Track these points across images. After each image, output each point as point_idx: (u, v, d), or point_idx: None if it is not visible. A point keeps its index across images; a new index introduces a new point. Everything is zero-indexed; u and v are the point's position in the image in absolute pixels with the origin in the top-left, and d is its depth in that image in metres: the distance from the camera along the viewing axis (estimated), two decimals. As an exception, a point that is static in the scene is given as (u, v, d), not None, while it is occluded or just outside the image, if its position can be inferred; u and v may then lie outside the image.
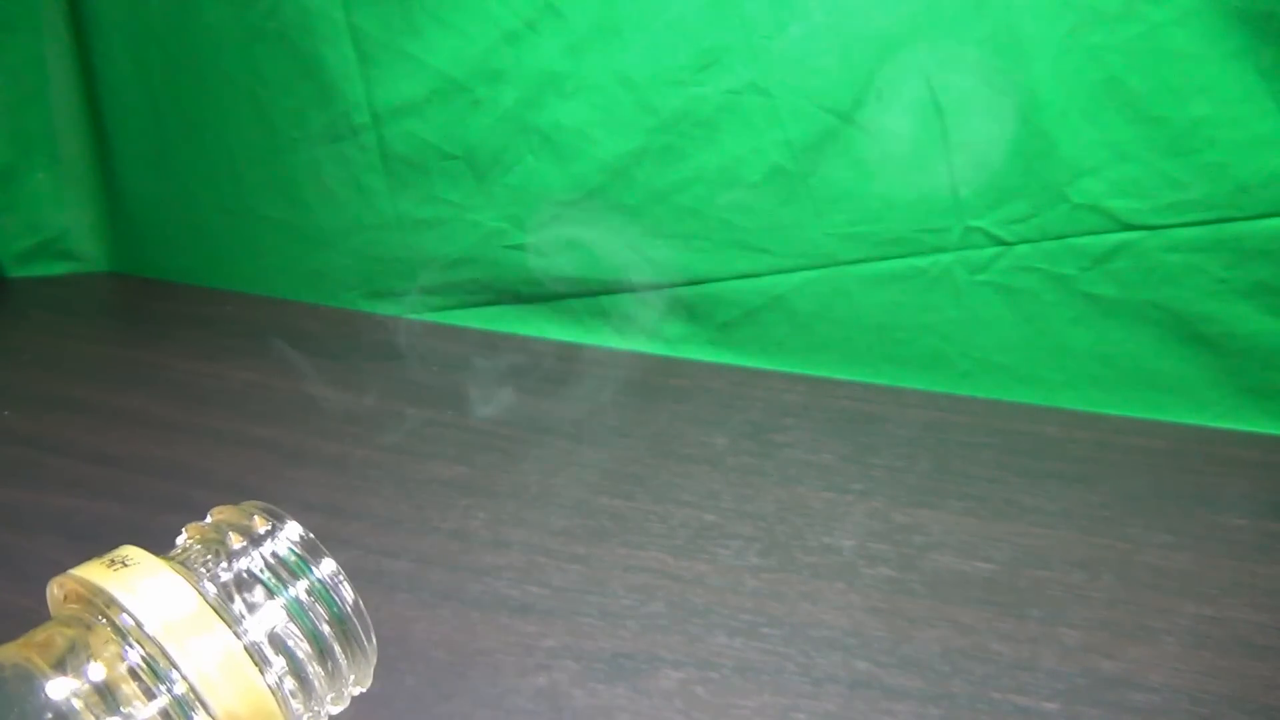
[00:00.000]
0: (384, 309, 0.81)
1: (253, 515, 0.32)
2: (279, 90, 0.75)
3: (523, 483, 0.54)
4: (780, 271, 0.68)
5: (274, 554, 0.31)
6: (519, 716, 0.37)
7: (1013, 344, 0.64)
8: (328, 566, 0.32)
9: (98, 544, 0.30)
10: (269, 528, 0.32)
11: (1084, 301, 0.61)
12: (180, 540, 0.32)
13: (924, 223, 0.63)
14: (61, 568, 0.30)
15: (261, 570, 0.30)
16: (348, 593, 0.31)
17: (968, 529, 0.50)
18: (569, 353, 0.74)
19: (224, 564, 0.30)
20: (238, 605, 0.29)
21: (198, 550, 0.31)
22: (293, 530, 0.32)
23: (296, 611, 0.30)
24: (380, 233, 0.77)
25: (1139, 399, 0.62)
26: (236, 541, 0.31)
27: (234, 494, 0.52)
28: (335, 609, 0.31)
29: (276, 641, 0.29)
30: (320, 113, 0.75)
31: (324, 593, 0.31)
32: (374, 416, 0.62)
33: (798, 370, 0.70)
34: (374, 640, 0.32)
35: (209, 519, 0.32)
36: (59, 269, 0.90)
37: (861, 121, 0.62)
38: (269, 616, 0.29)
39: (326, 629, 0.30)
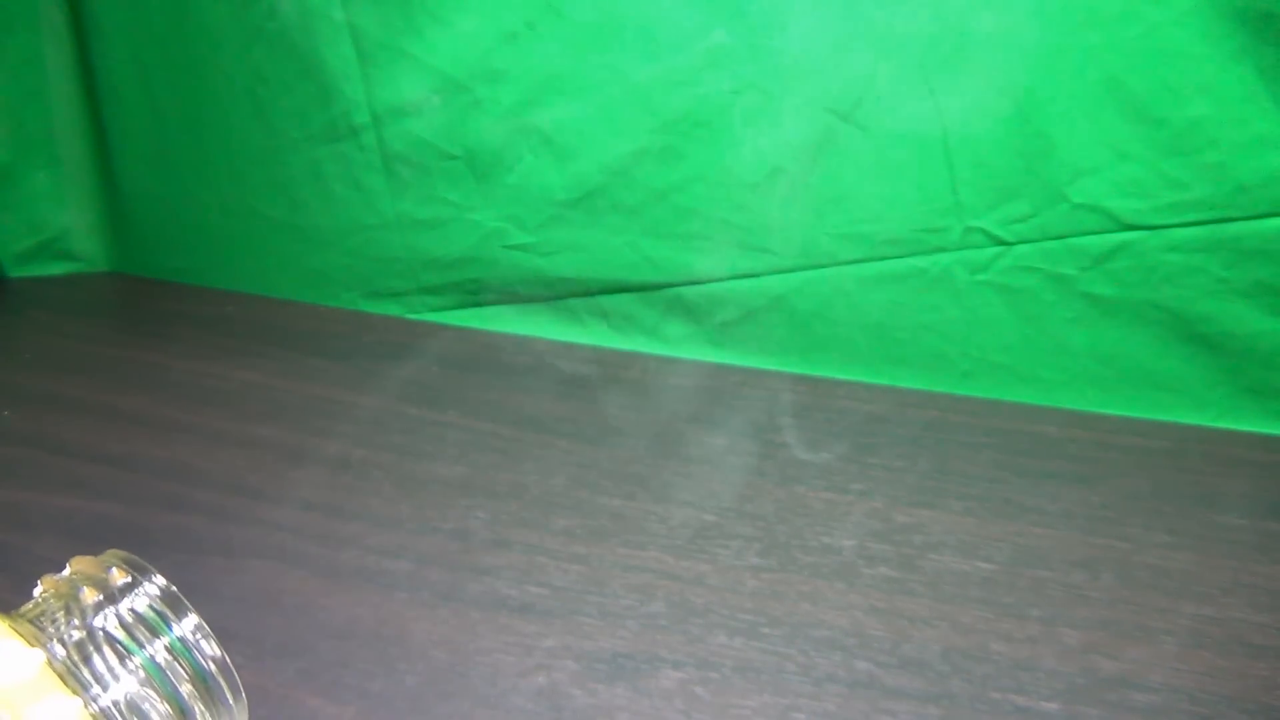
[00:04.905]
0: (384, 309, 0.81)
1: (110, 568, 0.30)
2: (279, 90, 0.75)
3: (523, 483, 0.54)
4: (780, 271, 0.68)
5: (132, 610, 0.29)
6: (519, 716, 0.37)
7: (1013, 344, 0.64)
8: (190, 622, 0.30)
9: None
10: (128, 580, 0.30)
11: (1084, 301, 0.61)
12: (36, 592, 0.30)
13: (924, 223, 0.63)
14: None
15: (116, 629, 0.28)
16: (211, 649, 0.29)
17: (968, 529, 0.50)
18: (569, 352, 0.74)
19: (76, 622, 0.28)
20: (91, 668, 0.27)
21: (53, 606, 0.28)
22: (154, 583, 0.30)
23: (153, 672, 0.28)
24: (380, 233, 0.77)
25: (1139, 399, 0.62)
26: (91, 597, 0.29)
27: (234, 494, 0.52)
28: (197, 667, 0.29)
29: (132, 706, 0.27)
30: (320, 113, 0.75)
31: (184, 651, 0.29)
32: (374, 416, 0.62)
33: (798, 370, 0.70)
34: (243, 698, 0.30)
35: (66, 570, 0.30)
36: (59, 269, 0.90)
37: (861, 121, 0.62)
38: (124, 679, 0.27)
39: (187, 689, 0.28)
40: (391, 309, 0.81)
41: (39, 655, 0.26)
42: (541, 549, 0.48)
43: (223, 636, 0.41)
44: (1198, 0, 0.53)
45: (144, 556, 0.30)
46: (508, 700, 0.37)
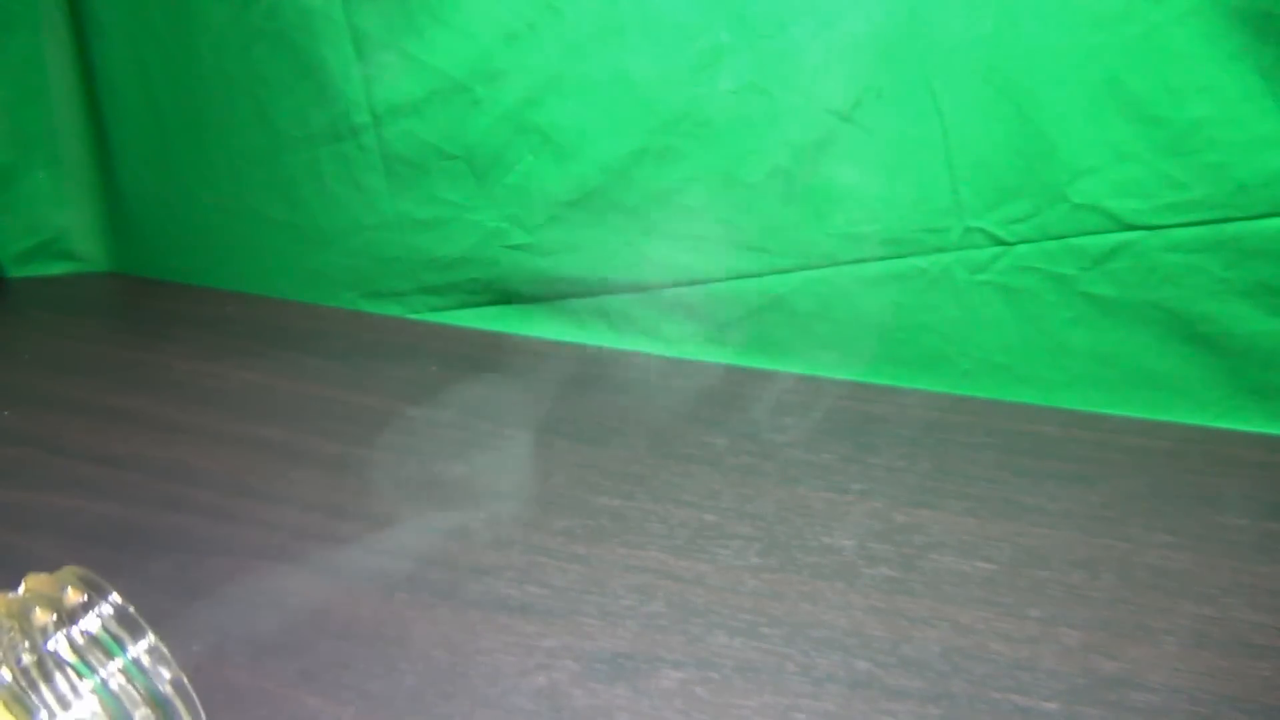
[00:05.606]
0: (384, 309, 0.81)
1: (66, 587, 0.29)
2: (279, 90, 0.75)
3: (523, 483, 0.54)
4: (780, 271, 0.68)
5: (85, 632, 0.28)
6: (519, 716, 0.37)
7: (1013, 344, 0.64)
8: (145, 643, 0.28)
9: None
10: (84, 600, 0.29)
11: (1084, 301, 0.61)
12: None
13: (924, 223, 0.63)
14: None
15: (68, 652, 0.27)
16: (168, 671, 0.28)
17: (968, 529, 0.50)
18: (569, 352, 0.74)
19: (27, 644, 0.27)
20: (41, 693, 0.26)
21: (5, 626, 0.28)
22: (109, 602, 0.29)
23: (105, 698, 0.27)
24: (380, 233, 0.77)
25: (1139, 399, 0.62)
26: (43, 618, 0.28)
27: (234, 494, 0.52)
28: (152, 691, 0.28)
29: None
30: (320, 113, 0.75)
31: (139, 674, 0.28)
32: (374, 416, 0.62)
33: (798, 370, 0.70)
34: (202, 718, 0.29)
35: (21, 589, 0.29)
36: (59, 269, 0.90)
37: (861, 121, 0.62)
38: (76, 704, 0.27)
39: (142, 714, 0.28)
40: (391, 309, 0.81)
41: None
42: (541, 549, 0.48)
43: (223, 637, 0.41)
44: (1198, 0, 0.53)
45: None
46: (508, 700, 0.37)
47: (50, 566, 0.30)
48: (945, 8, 0.58)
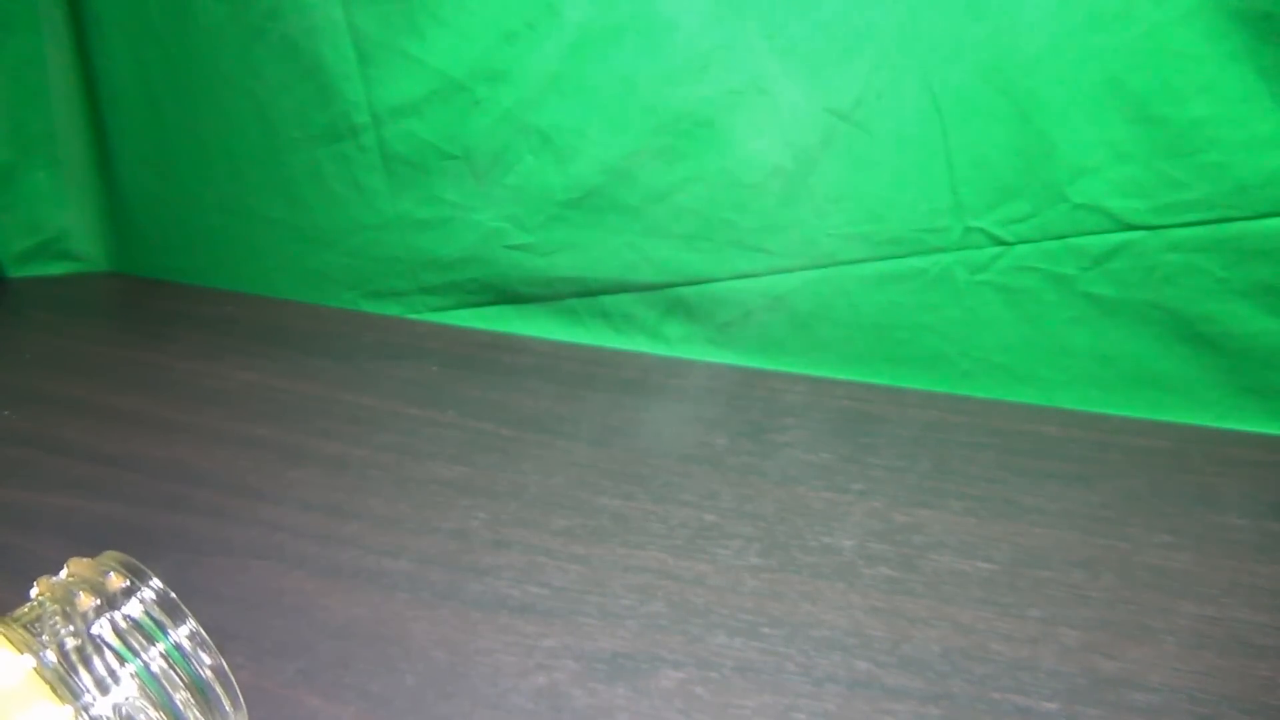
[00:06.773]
0: (384, 309, 0.81)
1: (108, 571, 0.29)
2: (279, 90, 0.75)
3: (523, 483, 0.54)
4: (780, 271, 0.68)
5: (127, 616, 0.28)
6: (519, 716, 0.37)
7: (1013, 344, 0.64)
8: (186, 628, 0.29)
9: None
10: (126, 585, 0.29)
11: (1084, 301, 0.61)
12: (33, 593, 0.29)
13: (924, 223, 0.63)
14: (60, 569, 0.30)
15: (111, 636, 0.27)
16: (209, 657, 0.29)
17: (968, 529, 0.50)
18: (569, 352, 0.74)
19: (71, 628, 0.27)
20: (84, 676, 0.26)
21: (49, 610, 0.28)
22: (151, 588, 0.29)
23: (148, 681, 0.27)
24: (380, 233, 0.77)
25: (1139, 399, 0.62)
26: (86, 602, 0.28)
27: (234, 494, 0.52)
28: (194, 676, 0.28)
29: (126, 717, 0.26)
30: (320, 113, 0.75)
31: (180, 659, 0.28)
32: (374, 416, 0.62)
33: (798, 370, 0.70)
34: (242, 706, 0.29)
35: (63, 572, 0.30)
36: (59, 269, 0.90)
37: (861, 121, 0.62)
38: (118, 688, 0.27)
39: (183, 697, 0.28)
40: (391, 309, 0.81)
41: (27, 662, 0.26)
42: (541, 549, 0.48)
43: (223, 637, 0.41)
44: (1198, 0, 0.53)
45: (144, 557, 0.30)
46: (508, 700, 0.37)
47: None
48: (945, 8, 0.58)
